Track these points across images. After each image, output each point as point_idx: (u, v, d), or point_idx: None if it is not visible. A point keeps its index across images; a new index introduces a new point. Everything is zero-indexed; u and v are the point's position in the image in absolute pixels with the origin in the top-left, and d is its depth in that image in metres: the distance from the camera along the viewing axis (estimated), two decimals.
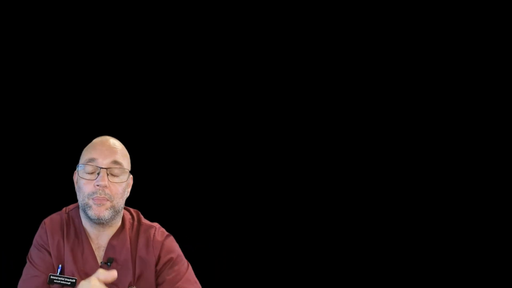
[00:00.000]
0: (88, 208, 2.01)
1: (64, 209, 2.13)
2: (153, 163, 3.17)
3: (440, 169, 3.37)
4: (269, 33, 3.38)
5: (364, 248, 3.38)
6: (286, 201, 3.40)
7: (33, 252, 2.07)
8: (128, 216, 2.13)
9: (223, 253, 3.36)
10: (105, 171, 2.01)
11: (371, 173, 3.40)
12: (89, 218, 2.02)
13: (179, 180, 3.33)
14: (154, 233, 2.11)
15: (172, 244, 2.13)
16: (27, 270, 2.06)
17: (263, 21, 3.37)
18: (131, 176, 2.11)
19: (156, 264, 2.08)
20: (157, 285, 2.08)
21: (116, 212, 2.03)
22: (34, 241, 2.09)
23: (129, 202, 2.12)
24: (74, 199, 2.08)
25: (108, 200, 2.01)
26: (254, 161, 3.40)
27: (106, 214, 2.01)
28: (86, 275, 1.99)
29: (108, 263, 2.03)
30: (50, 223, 2.08)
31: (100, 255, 2.05)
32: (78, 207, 2.10)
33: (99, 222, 2.03)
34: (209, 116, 3.38)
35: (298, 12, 3.37)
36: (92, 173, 2.02)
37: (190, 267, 2.13)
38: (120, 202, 2.05)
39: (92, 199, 2.00)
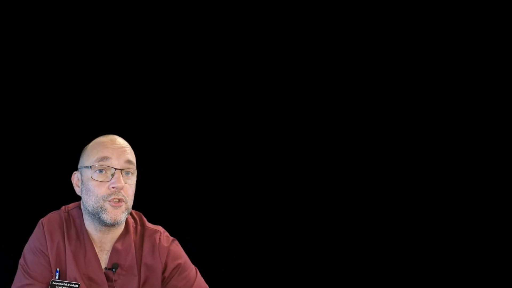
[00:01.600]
0: (103, 212, 1.90)
1: (63, 207, 2.01)
2: (152, 162, 3.16)
3: (440, 169, 3.37)
4: (270, 33, 3.39)
5: (364, 248, 3.39)
6: (286, 201, 3.40)
7: (28, 257, 1.93)
8: (130, 220, 2.02)
9: (223, 253, 3.36)
10: (120, 172, 1.91)
11: (371, 173, 3.40)
12: (101, 221, 1.91)
13: (179, 180, 3.31)
14: (160, 238, 2.02)
15: (178, 249, 2.06)
16: (19, 278, 1.93)
17: (264, 21, 3.38)
18: None
19: (163, 271, 1.99)
20: None
21: (127, 214, 1.95)
22: (30, 244, 1.95)
23: None
24: (74, 197, 2.01)
25: (123, 201, 1.91)
26: (253, 161, 3.40)
27: (122, 217, 1.92)
28: (89, 279, 1.91)
29: (113, 269, 1.94)
30: (49, 223, 1.94)
31: (103, 258, 1.95)
32: (79, 206, 1.98)
33: (112, 225, 1.92)
34: (206, 115, 3.38)
35: (298, 12, 3.38)
36: (103, 173, 1.92)
37: (198, 272, 2.06)
38: (132, 203, 1.96)
39: (108, 201, 1.89)
